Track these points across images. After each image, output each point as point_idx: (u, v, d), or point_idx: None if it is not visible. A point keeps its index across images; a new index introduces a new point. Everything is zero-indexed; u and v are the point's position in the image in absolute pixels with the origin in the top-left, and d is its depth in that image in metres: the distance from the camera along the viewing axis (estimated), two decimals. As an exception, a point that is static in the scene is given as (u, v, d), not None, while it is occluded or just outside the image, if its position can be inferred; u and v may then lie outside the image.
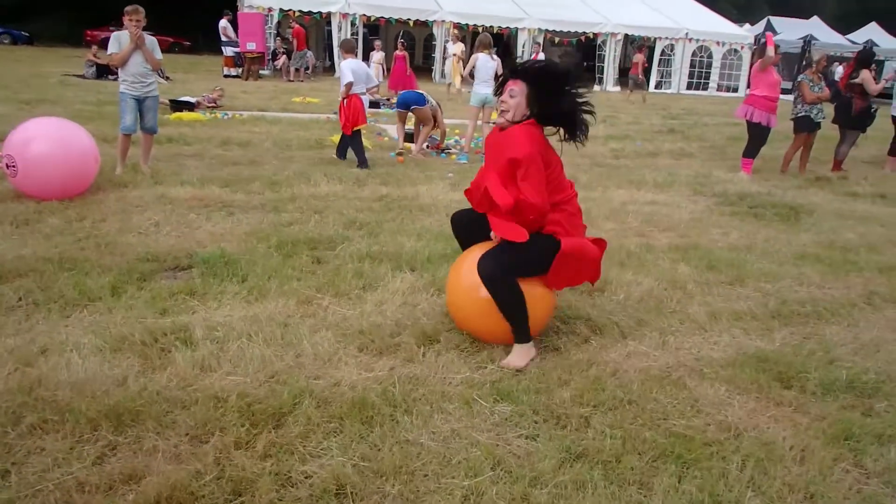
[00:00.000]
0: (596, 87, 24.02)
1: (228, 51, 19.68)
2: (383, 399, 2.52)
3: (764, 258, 4.72)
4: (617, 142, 10.16)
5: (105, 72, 16.40)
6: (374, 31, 26.38)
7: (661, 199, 6.36)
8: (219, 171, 6.59)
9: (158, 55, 6.42)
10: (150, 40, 6.33)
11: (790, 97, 8.97)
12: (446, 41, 21.43)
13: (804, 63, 23.32)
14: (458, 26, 23.16)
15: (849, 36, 28.42)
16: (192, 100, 11.28)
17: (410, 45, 21.99)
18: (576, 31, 23.97)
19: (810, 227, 5.66)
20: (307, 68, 20.37)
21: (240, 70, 19.27)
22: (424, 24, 23.49)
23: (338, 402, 2.49)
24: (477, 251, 3.04)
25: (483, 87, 8.14)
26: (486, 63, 8.03)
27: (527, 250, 2.88)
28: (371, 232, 4.75)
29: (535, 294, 2.96)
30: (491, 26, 23.19)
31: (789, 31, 27.08)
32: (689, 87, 24.86)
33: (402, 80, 16.54)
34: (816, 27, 27.73)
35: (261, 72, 19.76)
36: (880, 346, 3.35)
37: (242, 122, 10.16)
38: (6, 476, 2.06)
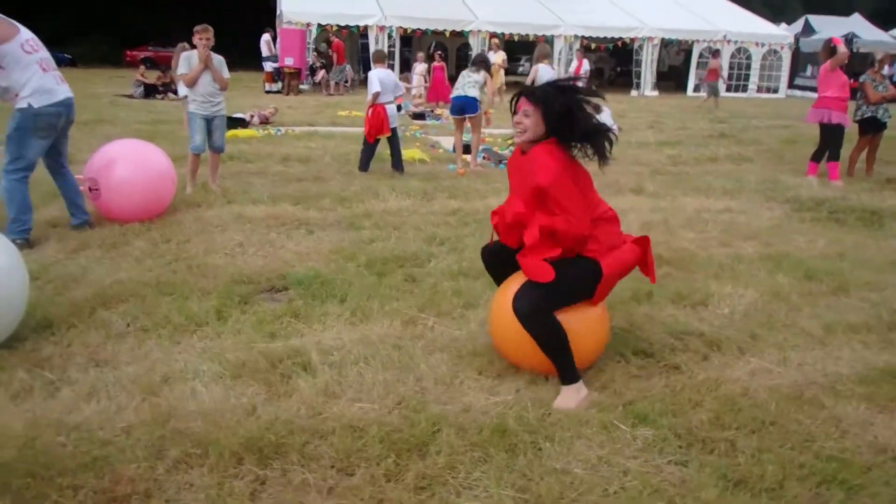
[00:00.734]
0: (633, 93, 23.78)
1: (268, 66, 19.94)
2: (520, 425, 2.44)
3: (860, 266, 4.54)
4: (671, 148, 9.99)
5: (152, 91, 16.73)
6: (407, 42, 26.55)
7: (735, 206, 6.19)
8: (286, 188, 6.61)
9: (226, 74, 6.48)
10: (218, 59, 6.40)
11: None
12: (483, 50, 21.42)
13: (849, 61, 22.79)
14: (494, 35, 23.16)
15: (892, 32, 27.69)
16: (244, 116, 11.41)
17: (444, 55, 22.02)
18: (611, 37, 23.80)
19: (899, 232, 5.46)
20: (346, 82, 20.53)
21: (280, 85, 19.50)
22: (460, 35, 23.51)
23: (474, 429, 2.41)
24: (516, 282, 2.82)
25: None
26: (548, 73, 8.02)
27: (564, 280, 2.67)
28: (454, 248, 4.69)
29: (582, 329, 2.76)
30: (526, 34, 23.17)
31: (829, 29, 26.40)
32: (728, 89, 24.41)
33: (442, 90, 16.58)
34: (857, 24, 27.02)
35: (300, 86, 19.97)
36: None
37: (297, 137, 10.23)
38: (163, 513, 2.04)
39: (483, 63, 8.65)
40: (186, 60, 6.37)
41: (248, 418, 2.51)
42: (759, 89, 24.84)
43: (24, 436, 2.36)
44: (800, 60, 26.47)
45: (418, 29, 23.21)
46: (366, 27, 22.40)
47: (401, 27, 22.74)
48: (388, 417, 2.51)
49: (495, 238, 3.07)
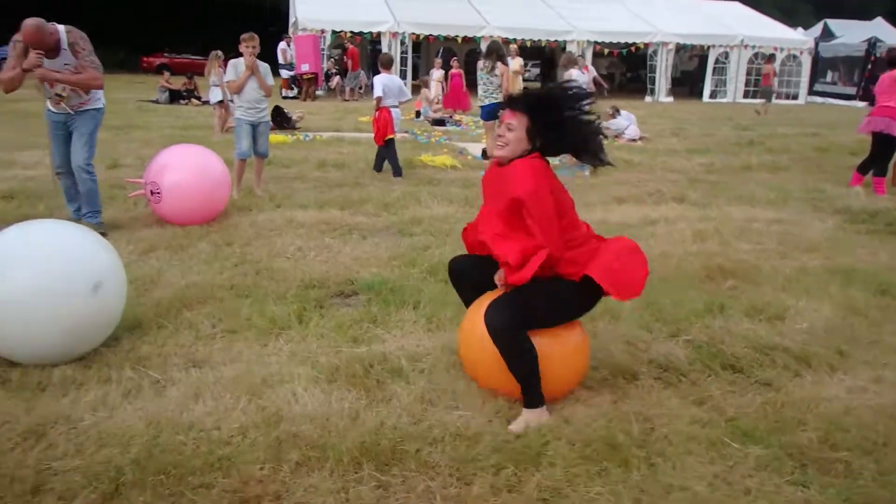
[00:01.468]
0: (647, 98, 23.87)
1: (284, 73, 20.05)
2: (629, 439, 2.50)
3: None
4: (701, 155, 10.05)
5: (177, 97, 16.88)
6: (416, 48, 26.62)
7: (784, 216, 6.22)
8: (329, 194, 6.69)
9: (270, 81, 6.57)
10: (264, 67, 6.49)
11: (858, 104, 8.69)
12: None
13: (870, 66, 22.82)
14: (506, 41, 23.27)
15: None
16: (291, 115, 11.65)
17: (447, 60, 22.15)
18: (625, 42, 23.85)
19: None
20: (360, 88, 20.65)
21: (296, 91, 19.62)
22: (472, 40, 23.62)
23: (582, 442, 2.47)
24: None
25: None
26: (581, 78, 8.12)
27: (539, 296, 2.58)
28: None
29: (557, 353, 2.67)
30: (538, 40, 23.28)
31: (850, 33, 26.40)
32: (745, 95, 24.44)
33: (459, 97, 16.67)
34: (879, 28, 26.84)
35: (316, 92, 20.09)
36: None
37: (326, 143, 10.32)
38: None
39: (496, 53, 8.74)
40: (233, 68, 6.46)
41: (354, 423, 2.58)
42: (779, 95, 24.79)
43: (147, 434, 2.44)
44: (819, 66, 26.33)
45: (430, 35, 23.34)
46: (379, 33, 22.54)
47: (413, 33, 22.89)
48: (491, 426, 2.58)
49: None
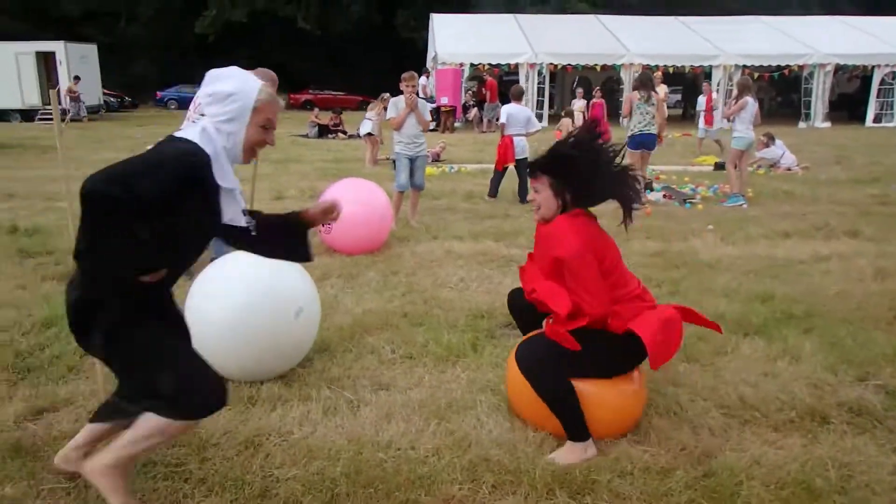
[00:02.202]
0: (802, 124, 22.41)
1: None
2: (827, 484, 2.40)
3: None
4: (870, 186, 9.31)
5: (325, 131, 18.13)
6: (552, 78, 26.80)
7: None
8: (481, 225, 6.91)
9: (427, 116, 6.94)
10: (422, 103, 6.87)
11: None
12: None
13: None
14: (647, 67, 22.85)
15: None
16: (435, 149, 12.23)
17: (587, 90, 21.98)
18: (777, 65, 22.60)
19: None
20: (497, 119, 21.03)
21: (434, 124, 20.38)
22: (611, 69, 23.42)
23: (776, 484, 2.41)
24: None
25: (750, 131, 8.05)
26: (753, 106, 7.91)
27: (587, 347, 2.57)
28: (672, 290, 4.69)
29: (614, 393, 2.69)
30: (682, 66, 22.64)
31: None
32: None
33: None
34: None
35: (454, 124, 20.76)
36: None
37: (471, 175, 10.65)
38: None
39: (649, 83, 8.81)
40: (394, 105, 6.89)
41: (540, 450, 2.67)
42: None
43: (350, 449, 2.67)
44: None
45: (569, 65, 23.40)
46: (517, 65, 22.95)
47: (551, 63, 23.07)
48: (679, 462, 2.57)
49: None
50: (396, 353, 3.67)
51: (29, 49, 24.16)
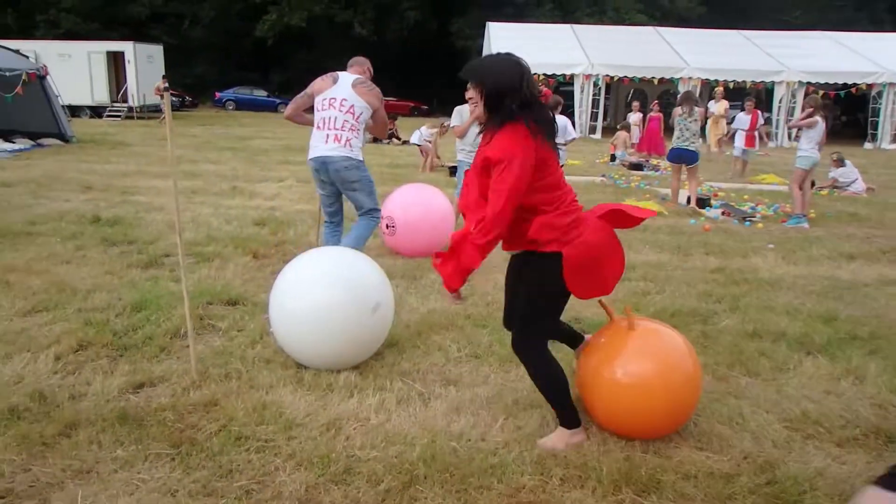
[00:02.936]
0: (868, 145, 21.77)
1: (477, 114, 21.08)
2: None
3: None
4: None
5: (378, 138, 18.46)
6: (606, 90, 26.67)
7: None
8: (538, 234, 7.02)
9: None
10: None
11: None
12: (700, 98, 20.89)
13: None
14: (706, 82, 22.58)
15: None
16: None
17: (643, 103, 21.79)
18: (843, 83, 21.99)
19: None
20: (552, 129, 21.07)
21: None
22: (669, 82, 23.20)
23: (840, 497, 2.48)
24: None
25: (816, 151, 7.95)
26: (822, 126, 7.83)
27: (531, 286, 2.67)
28: (732, 306, 4.72)
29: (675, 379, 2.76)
30: (743, 81, 22.27)
31: None
32: None
33: (656, 141, 16.44)
34: None
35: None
36: None
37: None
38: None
39: (692, 100, 9.14)
40: (458, 114, 7.06)
41: (605, 448, 2.79)
42: None
43: (424, 437, 2.84)
44: None
45: (625, 77, 23.28)
46: (572, 76, 22.94)
47: (607, 75, 22.98)
48: (742, 469, 2.65)
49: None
50: (462, 351, 3.83)
51: (100, 49, 25.36)
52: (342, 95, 4.75)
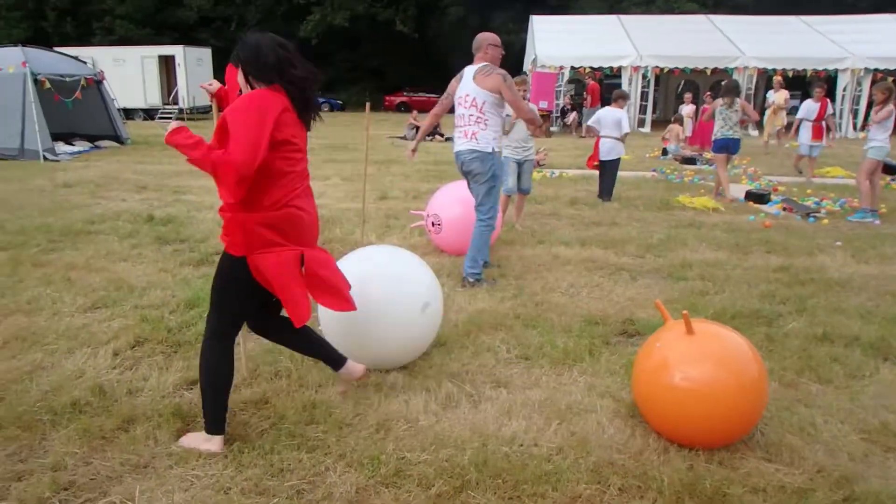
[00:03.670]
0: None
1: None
2: None
3: None
4: None
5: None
6: (656, 82, 26.06)
7: None
8: (587, 232, 6.86)
9: (538, 121, 6.95)
10: (532, 108, 6.89)
11: None
12: (756, 90, 20.17)
13: None
14: (763, 72, 21.81)
15: None
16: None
17: (695, 94, 21.15)
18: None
19: None
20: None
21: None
22: (723, 72, 22.48)
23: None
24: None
25: (888, 142, 7.57)
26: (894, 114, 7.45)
27: (219, 291, 2.60)
28: (799, 308, 4.48)
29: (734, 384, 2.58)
30: (804, 69, 21.41)
31: None
32: None
33: (710, 135, 15.89)
34: None
35: (551, 129, 20.59)
36: None
37: (573, 180, 10.56)
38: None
39: (734, 91, 9.01)
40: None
41: (665, 457, 2.66)
42: None
43: (475, 441, 2.75)
44: None
45: (676, 68, 22.67)
46: (619, 68, 22.45)
47: (657, 67, 22.41)
48: (816, 484, 2.49)
49: None
50: (512, 353, 3.73)
51: (152, 53, 26.11)
52: (465, 91, 4.92)
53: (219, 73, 29.10)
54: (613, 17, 25.94)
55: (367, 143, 5.63)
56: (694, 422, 2.66)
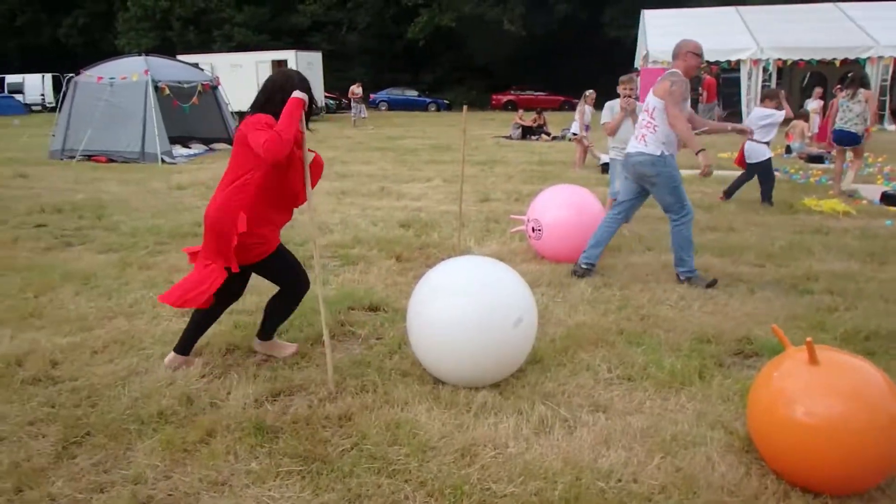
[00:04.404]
0: None
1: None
2: None
3: None
4: None
5: (528, 133, 18.10)
6: (779, 75, 24.28)
7: None
8: (700, 238, 6.35)
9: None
10: (639, 107, 6.49)
11: None
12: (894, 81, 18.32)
13: None
14: (900, 62, 19.81)
15: None
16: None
17: (823, 86, 19.48)
18: None
19: None
20: (714, 121, 19.58)
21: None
22: (853, 63, 20.61)
23: None
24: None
25: None
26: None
27: None
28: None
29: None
30: (948, 59, 19.27)
31: None
32: None
33: (838, 131, 14.61)
34: None
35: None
36: None
37: (687, 181, 9.86)
38: None
39: (858, 81, 8.47)
40: (609, 109, 6.62)
41: (784, 502, 2.33)
42: None
43: (567, 472, 2.53)
44: None
45: (801, 60, 21.05)
46: (738, 61, 21.13)
47: (779, 59, 20.90)
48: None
49: None
50: (613, 372, 3.46)
51: (266, 58, 27.41)
52: (648, 98, 4.95)
53: (328, 74, 30.09)
54: (731, 9, 24.46)
55: (464, 147, 5.50)
56: (819, 464, 2.34)
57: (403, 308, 4.14)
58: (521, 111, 19.51)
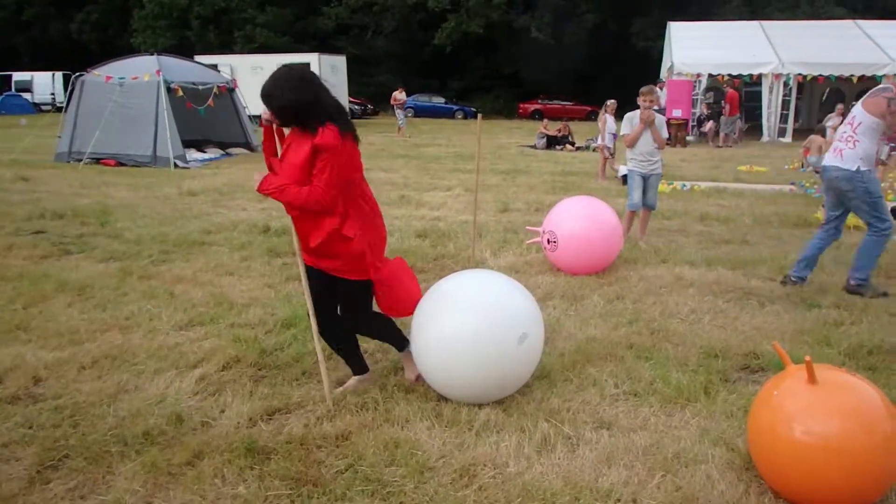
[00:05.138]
0: None
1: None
2: None
3: None
4: None
5: (553, 142, 17.99)
6: (799, 90, 23.97)
7: None
8: (715, 251, 6.29)
9: (665, 134, 6.48)
10: (659, 119, 6.42)
11: None
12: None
13: None
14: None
15: None
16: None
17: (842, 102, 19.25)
18: None
19: None
20: (735, 134, 19.39)
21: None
22: (870, 80, 20.28)
23: None
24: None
25: None
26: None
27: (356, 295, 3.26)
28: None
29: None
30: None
31: None
32: None
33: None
34: None
35: (686, 138, 19.51)
36: None
37: (705, 193, 9.83)
38: None
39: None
40: (629, 121, 6.52)
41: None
42: None
43: (566, 493, 2.49)
44: None
45: (820, 75, 20.81)
46: (759, 75, 20.91)
47: (799, 74, 20.66)
48: None
49: None
50: (620, 388, 3.40)
51: (288, 61, 27.19)
52: (854, 111, 4.91)
53: (353, 79, 29.88)
54: (755, 23, 24.27)
55: (478, 156, 5.47)
56: (816, 482, 2.33)
57: (410, 322, 4.12)
58: (546, 121, 19.43)
